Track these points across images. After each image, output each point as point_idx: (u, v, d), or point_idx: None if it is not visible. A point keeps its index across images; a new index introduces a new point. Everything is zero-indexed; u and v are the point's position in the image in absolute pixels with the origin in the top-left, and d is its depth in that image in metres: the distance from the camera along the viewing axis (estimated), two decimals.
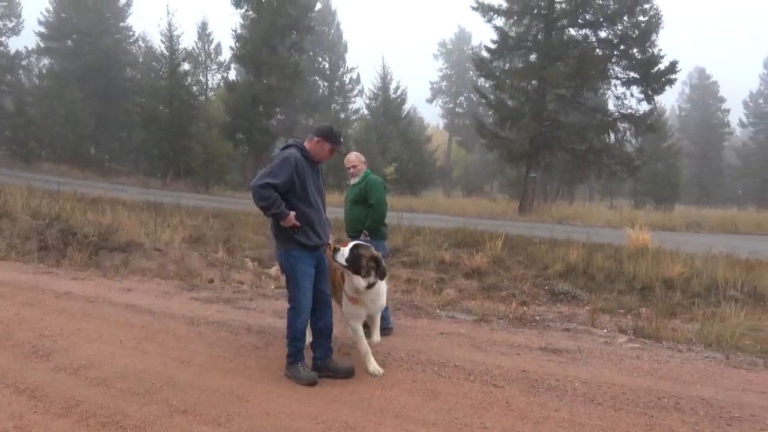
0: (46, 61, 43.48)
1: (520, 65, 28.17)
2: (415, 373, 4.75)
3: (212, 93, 40.30)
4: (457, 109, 64.12)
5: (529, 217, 24.19)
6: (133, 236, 11.27)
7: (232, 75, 40.93)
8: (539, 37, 26.97)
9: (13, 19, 43.16)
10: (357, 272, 4.49)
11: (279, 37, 33.90)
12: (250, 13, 33.73)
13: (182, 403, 4.05)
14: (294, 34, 35.07)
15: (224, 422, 3.76)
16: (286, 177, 4.41)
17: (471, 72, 50.55)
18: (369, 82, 47.91)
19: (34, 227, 11.80)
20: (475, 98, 44.25)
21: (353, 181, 6.09)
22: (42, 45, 42.33)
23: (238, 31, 34.48)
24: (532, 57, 27.57)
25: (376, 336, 4.99)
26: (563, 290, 8.93)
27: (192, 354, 5.12)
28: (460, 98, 63.56)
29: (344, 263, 4.49)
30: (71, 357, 4.97)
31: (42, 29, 41.96)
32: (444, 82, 65.97)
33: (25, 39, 43.07)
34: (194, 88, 37.66)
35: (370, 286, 4.55)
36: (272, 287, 8.57)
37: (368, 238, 5.60)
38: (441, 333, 6.01)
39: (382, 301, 4.80)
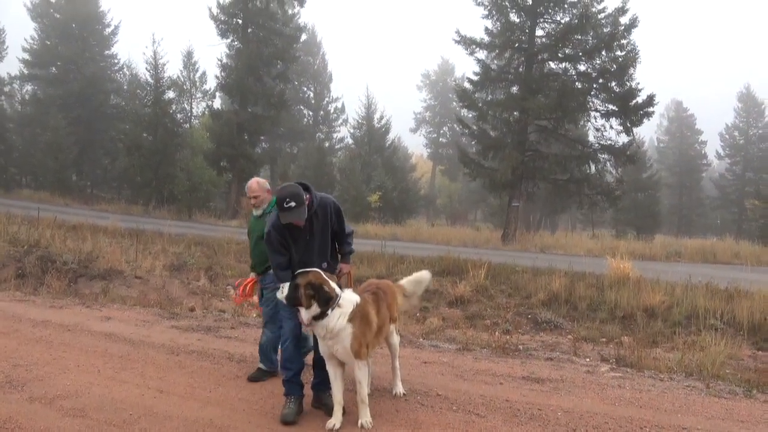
0: (29, 87, 43.27)
1: (502, 96, 28.66)
2: (397, 402, 4.72)
3: (197, 121, 40.31)
4: (440, 139, 64.75)
5: (512, 246, 24.33)
6: (113, 263, 11.15)
7: (217, 103, 41.08)
8: (520, 69, 27.54)
9: None
10: (298, 305, 4.03)
11: (264, 66, 34.19)
12: (236, 43, 34.04)
13: None
14: (279, 63, 35.38)
15: None
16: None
17: (454, 103, 51.21)
18: (353, 112, 48.52)
19: (12, 254, 11.63)
20: (458, 128, 44.74)
21: (256, 212, 5.45)
22: (26, 71, 42.19)
23: (224, 60, 34.72)
24: (514, 89, 28.09)
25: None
26: (546, 319, 8.95)
27: (171, 384, 5.04)
28: (444, 128, 64.27)
29: (283, 300, 4.09)
30: (47, 387, 4.87)
31: (26, 56, 41.86)
32: (428, 113, 66.73)
33: (8, 65, 42.92)
34: (179, 116, 37.69)
35: (316, 318, 4.01)
36: (254, 315, 8.49)
37: None
38: (424, 362, 5.99)
39: (344, 343, 4.04)
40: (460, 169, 43.43)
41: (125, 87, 42.49)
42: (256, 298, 5.91)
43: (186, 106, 38.94)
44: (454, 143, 50.98)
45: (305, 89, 51.68)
